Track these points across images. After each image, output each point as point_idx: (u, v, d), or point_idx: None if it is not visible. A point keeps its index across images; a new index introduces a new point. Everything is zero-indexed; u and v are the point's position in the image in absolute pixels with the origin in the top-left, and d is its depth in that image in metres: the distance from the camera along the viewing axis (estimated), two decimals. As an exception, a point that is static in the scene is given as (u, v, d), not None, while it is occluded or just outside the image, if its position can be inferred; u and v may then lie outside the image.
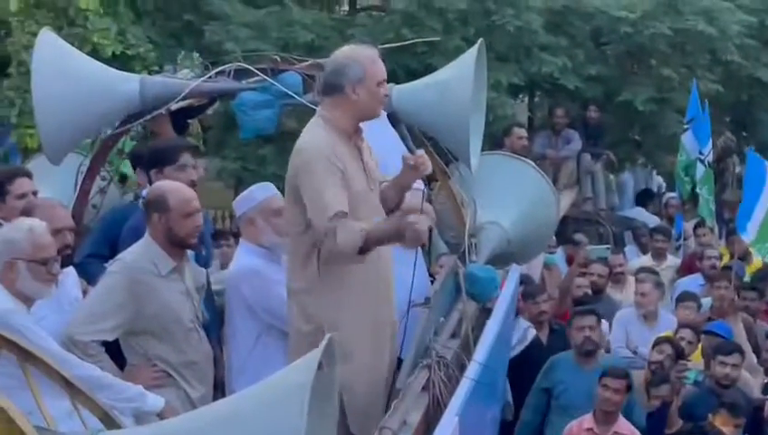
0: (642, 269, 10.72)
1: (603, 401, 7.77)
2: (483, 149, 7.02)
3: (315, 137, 5.10)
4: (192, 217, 5.48)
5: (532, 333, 9.14)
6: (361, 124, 5.25)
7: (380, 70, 5.20)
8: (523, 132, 12.08)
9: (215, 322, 6.22)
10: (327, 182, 4.99)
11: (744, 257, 11.17)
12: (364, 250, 4.98)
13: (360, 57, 5.18)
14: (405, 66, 11.31)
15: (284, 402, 2.91)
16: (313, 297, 5.10)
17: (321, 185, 4.99)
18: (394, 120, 5.49)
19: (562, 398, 8.36)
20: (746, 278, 10.76)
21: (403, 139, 5.39)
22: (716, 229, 13.00)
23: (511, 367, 8.57)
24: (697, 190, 13.01)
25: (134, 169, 6.94)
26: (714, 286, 9.90)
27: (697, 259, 11.56)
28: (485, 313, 6.62)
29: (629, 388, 7.88)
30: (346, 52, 5.26)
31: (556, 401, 8.40)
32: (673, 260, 12.27)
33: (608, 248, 12.45)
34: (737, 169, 16.00)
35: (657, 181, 17.51)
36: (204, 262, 6.32)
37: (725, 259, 11.24)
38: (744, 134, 16.98)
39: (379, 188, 5.29)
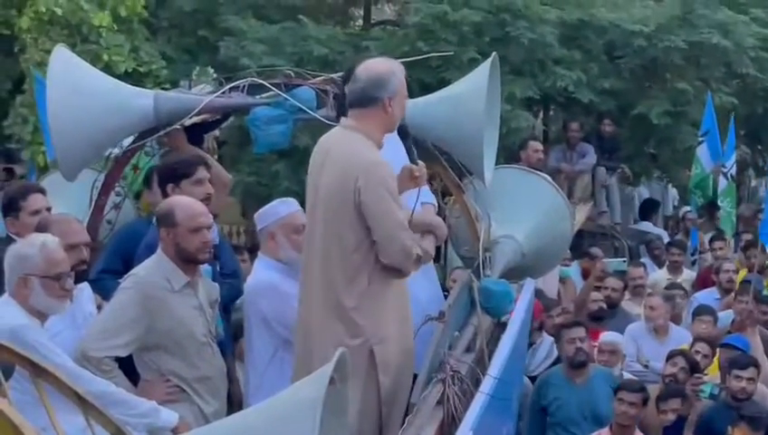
0: (672, 286, 10.71)
1: (619, 414, 7.75)
2: (498, 162, 7.01)
3: (375, 153, 5.06)
4: (199, 232, 5.41)
5: (559, 348, 9.12)
6: None
7: (405, 84, 5.21)
8: (539, 146, 12.05)
9: (228, 336, 6.21)
10: (397, 197, 5.04)
11: (763, 271, 11.12)
12: None
13: (397, 71, 5.14)
14: (419, 80, 11.29)
15: (296, 417, 2.90)
16: (362, 313, 5.04)
17: (394, 199, 5.01)
18: (403, 133, 5.44)
19: (558, 414, 8.38)
20: (765, 292, 10.71)
21: (409, 153, 5.39)
22: (732, 243, 12.96)
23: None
24: (719, 203, 13.02)
25: (147, 186, 6.90)
26: (736, 300, 9.84)
27: (713, 273, 11.51)
28: (500, 327, 6.60)
29: (646, 402, 7.85)
30: (383, 64, 5.20)
31: (552, 417, 8.43)
32: (689, 274, 12.23)
33: (623, 261, 12.43)
34: (753, 183, 15.97)
35: (672, 194, 17.47)
36: (230, 273, 6.36)
37: (742, 273, 11.20)
38: (759, 147, 16.92)
39: None
